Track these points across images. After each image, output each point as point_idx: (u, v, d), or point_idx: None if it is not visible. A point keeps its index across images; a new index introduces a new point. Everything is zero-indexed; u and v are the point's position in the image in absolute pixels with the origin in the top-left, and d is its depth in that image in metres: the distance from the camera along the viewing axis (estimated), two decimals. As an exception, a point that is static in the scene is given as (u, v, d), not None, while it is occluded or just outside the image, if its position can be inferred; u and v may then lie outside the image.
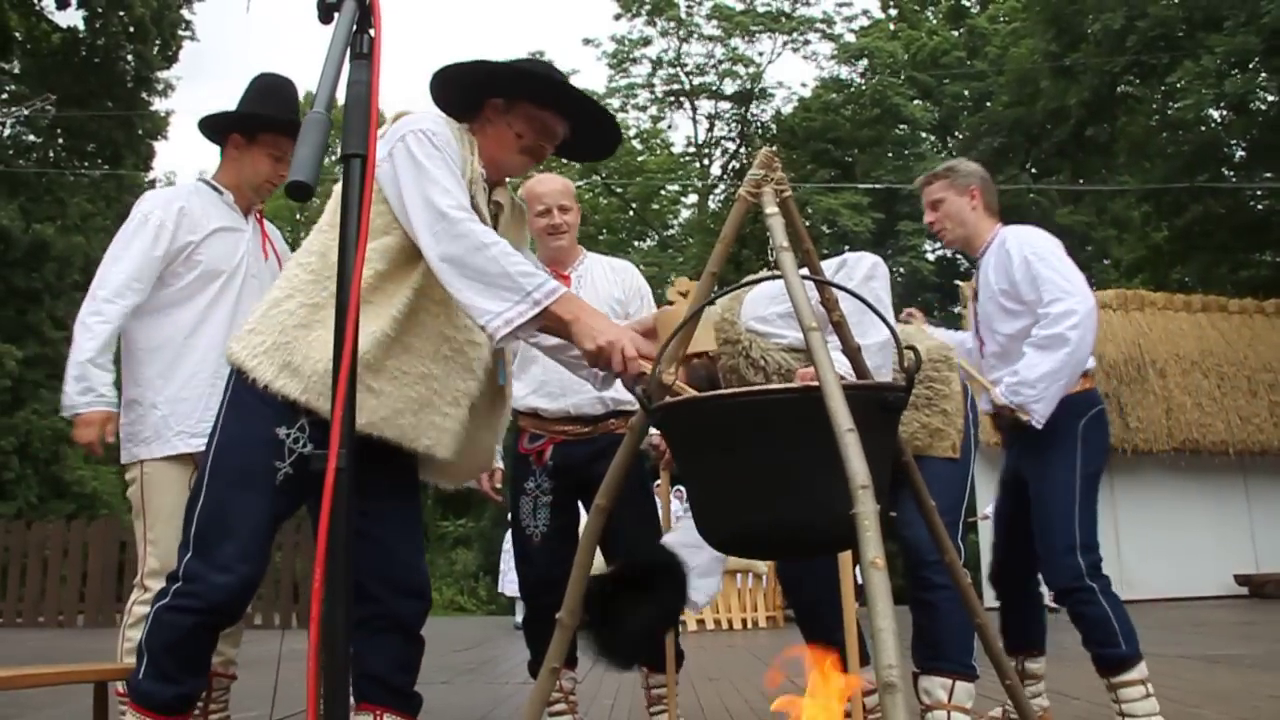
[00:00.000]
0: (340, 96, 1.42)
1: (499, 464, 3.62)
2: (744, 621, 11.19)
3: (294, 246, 2.91)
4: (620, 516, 3.45)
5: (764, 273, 1.93)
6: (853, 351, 2.16)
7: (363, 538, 2.37)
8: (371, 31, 1.54)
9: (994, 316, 3.63)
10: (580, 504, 3.63)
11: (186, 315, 3.27)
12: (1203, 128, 19.13)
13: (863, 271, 2.77)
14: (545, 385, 3.67)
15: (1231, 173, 20.17)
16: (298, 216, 31.87)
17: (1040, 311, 3.44)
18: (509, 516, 12.54)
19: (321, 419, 2.28)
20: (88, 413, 3.15)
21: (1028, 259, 3.52)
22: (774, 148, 2.27)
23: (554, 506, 3.65)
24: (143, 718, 2.29)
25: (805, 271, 2.08)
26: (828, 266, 2.88)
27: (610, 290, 3.75)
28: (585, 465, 3.53)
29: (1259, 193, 19.66)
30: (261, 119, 3.35)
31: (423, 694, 2.53)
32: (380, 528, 2.45)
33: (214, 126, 3.43)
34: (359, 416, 2.20)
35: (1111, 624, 3.31)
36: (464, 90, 2.51)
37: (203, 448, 2.95)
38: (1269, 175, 19.33)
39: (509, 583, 12.08)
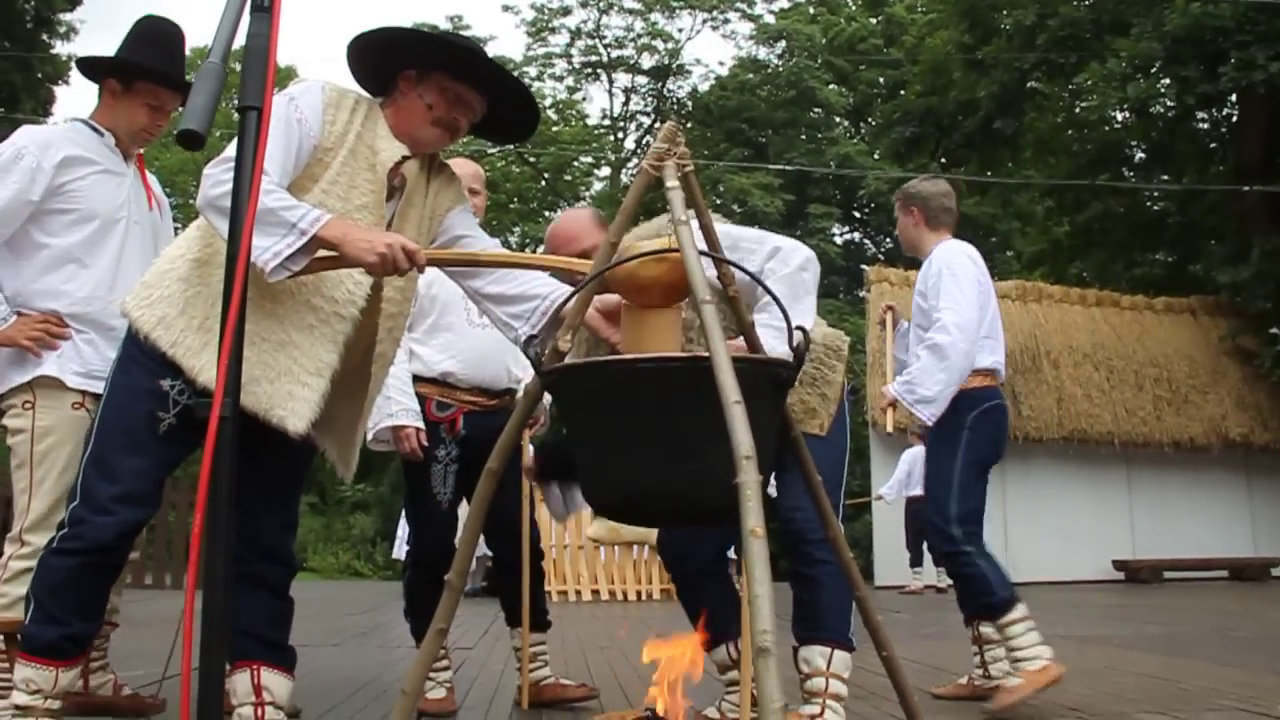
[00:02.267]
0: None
1: (420, 424, 3.62)
2: (638, 593, 11.29)
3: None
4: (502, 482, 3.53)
5: (660, 244, 1.95)
6: (746, 327, 2.20)
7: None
8: (273, -16, 1.51)
9: (918, 320, 4.11)
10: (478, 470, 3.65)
11: (65, 260, 3.12)
12: (1106, 128, 19.68)
13: (797, 262, 2.87)
14: (461, 353, 3.69)
15: (1131, 173, 20.81)
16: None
17: (934, 318, 3.92)
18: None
19: (188, 375, 2.35)
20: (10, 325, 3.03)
21: (940, 271, 4.00)
22: (688, 125, 2.31)
23: (462, 475, 3.70)
24: (32, 664, 2.31)
25: (703, 246, 2.11)
26: (744, 236, 2.95)
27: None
28: (496, 437, 3.48)
29: (1155, 194, 20.33)
30: (138, 68, 3.22)
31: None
32: (250, 497, 2.37)
33: (91, 69, 3.29)
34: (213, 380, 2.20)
35: (988, 578, 3.86)
36: (379, 61, 2.51)
37: (87, 386, 2.98)
38: (1165, 178, 20.00)
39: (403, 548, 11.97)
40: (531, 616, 3.79)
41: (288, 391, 2.37)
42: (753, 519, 1.54)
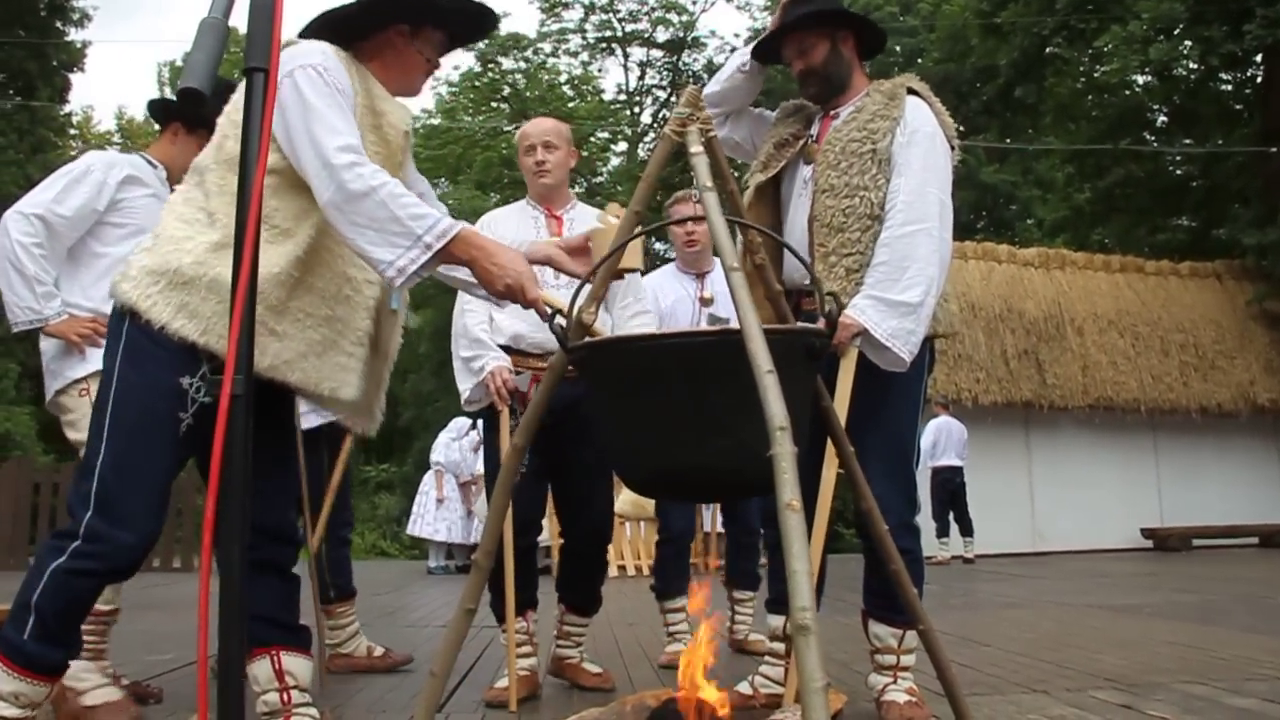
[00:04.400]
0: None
1: (505, 361, 3.57)
2: (665, 568, 11.31)
3: None
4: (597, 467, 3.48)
5: (689, 211, 1.90)
6: (775, 295, 2.15)
7: None
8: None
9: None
10: (561, 446, 3.55)
11: (117, 268, 3.26)
12: (1127, 92, 19.43)
13: None
14: (533, 314, 3.57)
15: (1153, 138, 20.54)
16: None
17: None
18: (432, 459, 12.21)
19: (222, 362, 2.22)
20: (63, 321, 3.26)
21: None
22: (700, 87, 2.25)
23: (534, 447, 3.55)
24: (25, 678, 2.16)
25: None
26: None
27: None
28: (572, 406, 3.36)
29: (1178, 158, 20.06)
30: (202, 119, 3.35)
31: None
32: (259, 481, 2.37)
33: (159, 113, 3.65)
34: (261, 359, 2.15)
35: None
36: (358, 16, 2.43)
37: None
38: (1188, 141, 19.73)
39: (426, 527, 12.00)
40: (590, 601, 3.77)
41: (337, 364, 2.36)
42: (788, 492, 1.49)
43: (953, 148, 3.07)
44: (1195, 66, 17.10)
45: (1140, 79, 19.41)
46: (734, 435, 1.78)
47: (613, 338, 1.94)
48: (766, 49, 3.19)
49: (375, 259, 2.10)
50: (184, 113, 3.55)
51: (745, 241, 2.14)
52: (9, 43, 22.03)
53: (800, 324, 2.14)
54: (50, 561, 2.16)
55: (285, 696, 2.40)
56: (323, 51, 2.28)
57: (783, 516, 1.48)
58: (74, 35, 24.25)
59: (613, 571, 10.95)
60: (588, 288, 2.05)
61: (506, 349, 3.65)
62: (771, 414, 1.54)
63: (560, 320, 1.96)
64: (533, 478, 3.54)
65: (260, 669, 2.40)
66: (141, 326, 2.21)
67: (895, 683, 2.98)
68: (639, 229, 1.98)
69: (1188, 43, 16.30)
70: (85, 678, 3.00)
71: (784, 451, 1.51)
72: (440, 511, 11.99)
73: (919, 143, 2.94)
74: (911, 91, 3.09)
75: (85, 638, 2.87)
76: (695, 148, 1.97)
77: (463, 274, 2.33)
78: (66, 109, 24.54)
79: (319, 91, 2.18)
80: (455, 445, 12.22)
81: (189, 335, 2.19)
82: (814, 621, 1.40)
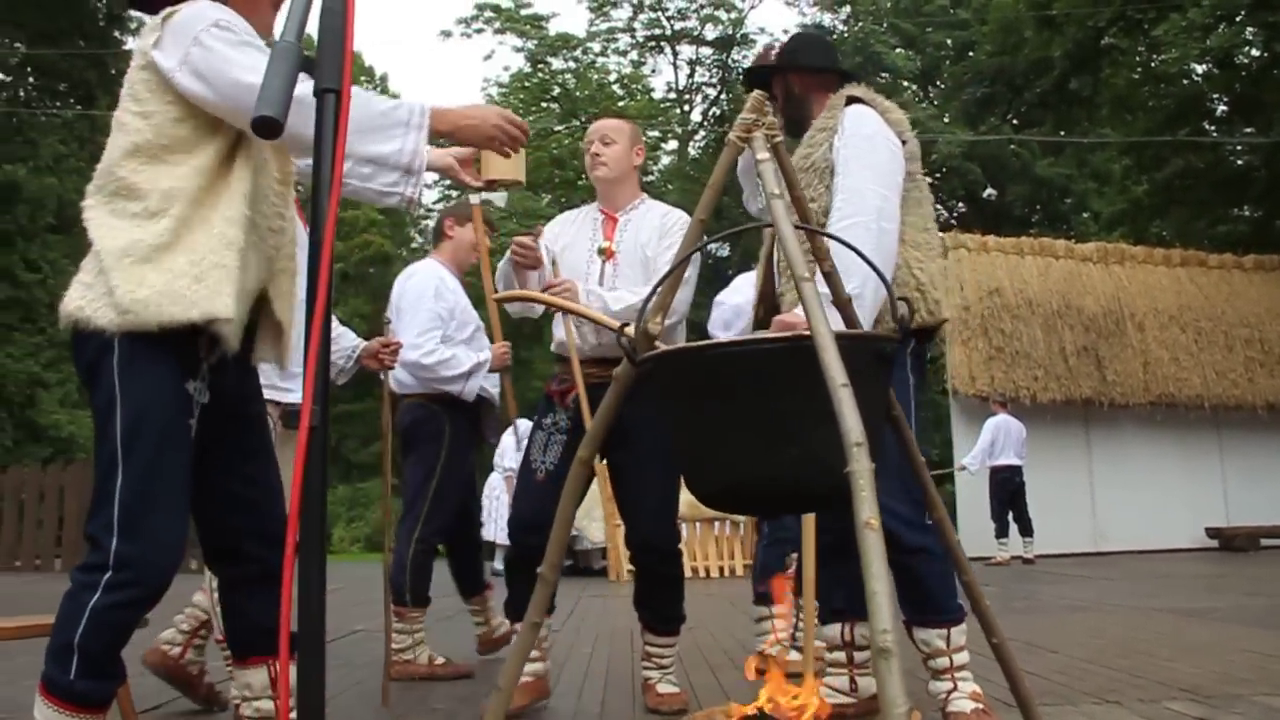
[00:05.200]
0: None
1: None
2: (721, 569, 11.26)
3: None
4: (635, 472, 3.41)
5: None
6: (844, 303, 2.11)
7: (238, 499, 2.34)
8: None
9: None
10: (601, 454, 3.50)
11: None
12: (1186, 81, 19.05)
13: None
14: (578, 325, 3.58)
15: (1213, 127, 20.13)
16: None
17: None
18: (503, 464, 12.27)
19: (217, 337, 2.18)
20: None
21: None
22: (765, 94, 2.20)
23: (567, 446, 3.50)
24: (77, 715, 2.10)
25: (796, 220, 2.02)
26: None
27: (648, 233, 3.65)
28: None
29: (1239, 148, 19.66)
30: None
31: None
32: (255, 490, 2.37)
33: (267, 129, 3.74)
34: (191, 310, 2.10)
35: None
36: None
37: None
38: (1250, 130, 19.32)
39: (494, 530, 12.02)
40: (660, 619, 3.64)
41: (288, 290, 2.41)
42: (866, 510, 1.45)
43: (904, 142, 3.05)
44: (1258, 54, 16.73)
45: (1200, 68, 19.04)
46: (802, 445, 1.74)
47: (678, 348, 1.90)
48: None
49: (385, 154, 2.13)
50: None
51: (813, 249, 2.10)
52: (71, 54, 22.46)
53: (870, 330, 2.09)
54: (86, 599, 2.08)
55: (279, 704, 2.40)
56: (214, 6, 2.22)
57: (861, 535, 1.43)
58: (131, 44, 24.68)
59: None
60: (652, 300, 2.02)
61: (557, 358, 3.68)
62: (848, 429, 1.50)
63: (629, 330, 1.93)
64: (558, 478, 3.39)
65: (255, 677, 2.40)
66: (136, 340, 2.12)
67: (956, 689, 2.91)
68: (702, 240, 1.95)
69: (1250, 29, 15.95)
70: None
71: (861, 468, 1.47)
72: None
73: (855, 144, 2.94)
74: (855, 100, 3.07)
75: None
76: (762, 154, 1.93)
77: None
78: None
79: (232, 43, 2.13)
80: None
81: (184, 317, 2.10)
82: (895, 645, 1.36)
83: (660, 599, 3.60)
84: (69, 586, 2.12)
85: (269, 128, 1.17)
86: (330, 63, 1.23)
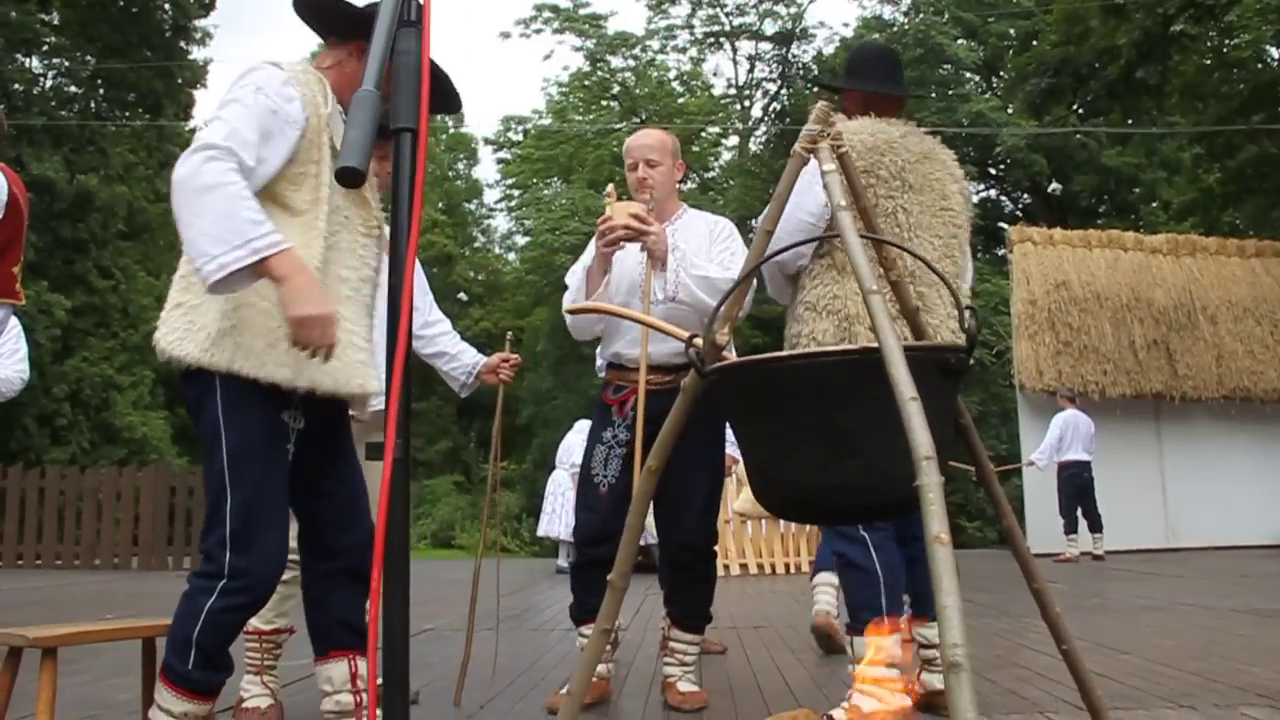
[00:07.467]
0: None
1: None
2: (786, 566, 11.25)
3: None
4: (681, 475, 3.43)
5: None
6: (911, 312, 2.11)
7: (327, 497, 2.58)
8: (420, -4, 1.47)
9: None
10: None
11: None
12: (1260, 65, 18.60)
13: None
14: (628, 333, 3.64)
15: (1288, 113, 19.63)
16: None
17: None
18: (568, 460, 12.42)
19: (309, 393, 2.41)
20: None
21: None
22: (814, 90, 2.21)
23: (627, 459, 3.58)
24: (194, 700, 2.39)
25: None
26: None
27: (697, 242, 3.69)
28: (659, 420, 3.38)
29: (1317, 133, 19.15)
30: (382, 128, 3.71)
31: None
32: (341, 487, 2.61)
33: None
34: (282, 373, 2.34)
35: None
36: (338, 22, 2.58)
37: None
38: (1327, 115, 18.81)
39: (559, 527, 12.08)
40: (689, 615, 3.69)
41: (356, 361, 2.49)
42: (936, 524, 1.45)
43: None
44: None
45: (1275, 51, 18.58)
46: (864, 455, 1.75)
47: (743, 360, 1.92)
48: None
49: (200, 250, 2.15)
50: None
51: (880, 259, 2.10)
52: (139, 65, 22.97)
53: (937, 342, 2.09)
54: (203, 602, 2.34)
55: (360, 698, 2.62)
56: (269, 73, 2.39)
57: (931, 550, 1.44)
58: (196, 54, 25.21)
59: (735, 570, 10.92)
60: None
61: (610, 366, 3.75)
62: (917, 443, 1.50)
63: (697, 342, 1.95)
64: (621, 490, 3.54)
65: (336, 671, 2.63)
66: (232, 379, 2.34)
67: None
68: (769, 253, 1.96)
69: (1329, 10, 15.52)
70: (248, 688, 3.34)
71: (931, 482, 1.48)
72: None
73: None
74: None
75: (249, 655, 3.29)
76: (828, 165, 1.93)
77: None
78: (191, 125, 25.47)
79: (246, 101, 2.31)
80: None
81: (251, 373, 2.33)
82: (966, 659, 1.36)
83: (693, 597, 3.68)
84: (185, 589, 2.39)
85: (353, 177, 1.20)
86: (406, 103, 1.26)
